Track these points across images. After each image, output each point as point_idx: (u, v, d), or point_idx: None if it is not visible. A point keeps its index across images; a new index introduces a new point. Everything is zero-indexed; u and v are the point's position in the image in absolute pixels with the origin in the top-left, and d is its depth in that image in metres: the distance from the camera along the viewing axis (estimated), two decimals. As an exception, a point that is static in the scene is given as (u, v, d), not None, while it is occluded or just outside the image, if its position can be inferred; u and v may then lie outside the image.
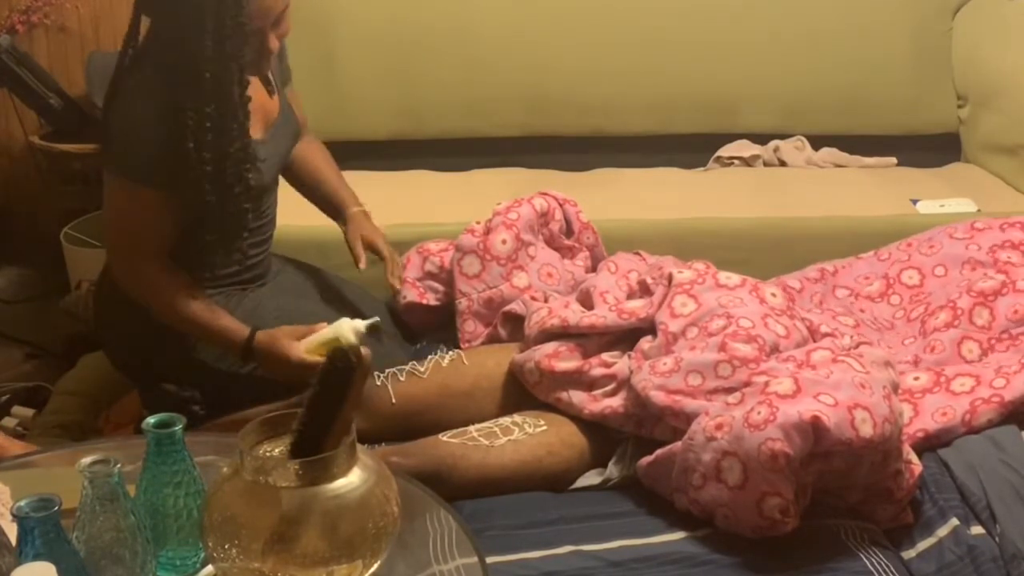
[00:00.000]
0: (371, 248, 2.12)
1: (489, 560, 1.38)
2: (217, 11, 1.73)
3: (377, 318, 1.86)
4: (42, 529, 1.14)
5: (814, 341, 1.90)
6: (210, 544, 1.21)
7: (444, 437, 1.81)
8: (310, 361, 1.82)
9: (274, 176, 2.04)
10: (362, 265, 2.09)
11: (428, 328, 2.30)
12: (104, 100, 1.89)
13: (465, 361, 2.02)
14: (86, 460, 1.22)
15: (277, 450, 1.25)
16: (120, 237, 1.91)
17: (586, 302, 2.07)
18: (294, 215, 2.28)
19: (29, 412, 2.50)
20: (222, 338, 1.91)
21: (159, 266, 1.90)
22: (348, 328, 1.82)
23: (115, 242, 1.93)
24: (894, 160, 3.16)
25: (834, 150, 3.16)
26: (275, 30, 1.83)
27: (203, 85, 1.76)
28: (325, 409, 1.21)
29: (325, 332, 1.85)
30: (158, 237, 1.89)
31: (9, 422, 2.48)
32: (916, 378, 1.95)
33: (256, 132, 1.92)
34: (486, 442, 1.80)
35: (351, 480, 1.20)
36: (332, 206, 2.19)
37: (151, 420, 1.33)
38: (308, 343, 1.85)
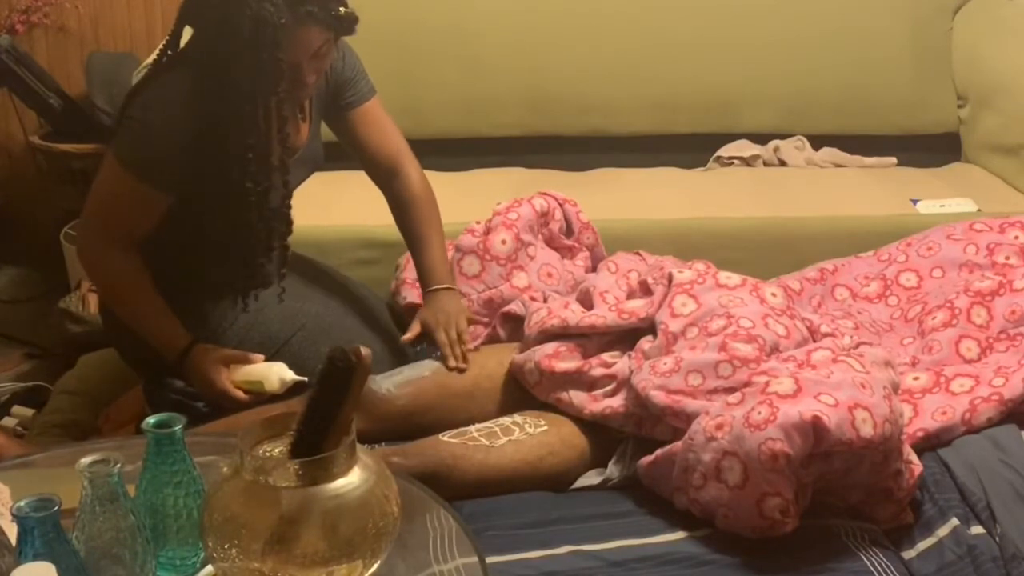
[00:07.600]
0: (427, 332, 2.06)
1: (489, 560, 1.38)
2: (254, 44, 1.74)
3: (305, 378, 1.86)
4: (42, 529, 1.14)
5: (814, 341, 1.90)
6: (210, 544, 1.21)
7: (444, 437, 1.81)
8: (231, 394, 1.89)
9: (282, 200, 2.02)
10: (406, 336, 2.08)
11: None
12: (132, 87, 1.92)
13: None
14: (86, 460, 1.22)
15: (277, 450, 1.25)
16: (96, 214, 1.94)
17: (586, 302, 2.07)
18: (295, 214, 2.27)
19: (29, 412, 2.50)
20: (161, 339, 1.95)
21: (121, 252, 1.93)
22: (276, 375, 1.88)
23: (89, 216, 1.96)
24: (894, 160, 3.16)
25: (834, 150, 3.16)
26: (313, 64, 1.85)
27: (233, 106, 1.80)
28: (325, 409, 1.21)
29: (253, 370, 1.90)
30: (131, 226, 1.92)
31: (9, 422, 2.48)
32: (916, 378, 1.95)
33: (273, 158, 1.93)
34: (486, 442, 1.80)
35: (351, 480, 1.20)
36: (421, 275, 2.16)
37: (151, 420, 1.34)
38: (236, 373, 1.90)
